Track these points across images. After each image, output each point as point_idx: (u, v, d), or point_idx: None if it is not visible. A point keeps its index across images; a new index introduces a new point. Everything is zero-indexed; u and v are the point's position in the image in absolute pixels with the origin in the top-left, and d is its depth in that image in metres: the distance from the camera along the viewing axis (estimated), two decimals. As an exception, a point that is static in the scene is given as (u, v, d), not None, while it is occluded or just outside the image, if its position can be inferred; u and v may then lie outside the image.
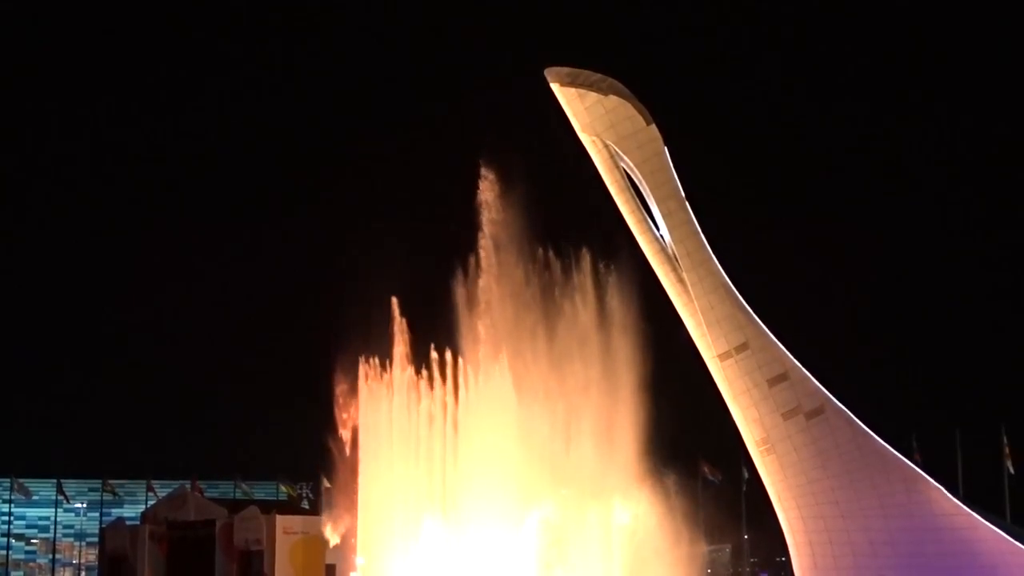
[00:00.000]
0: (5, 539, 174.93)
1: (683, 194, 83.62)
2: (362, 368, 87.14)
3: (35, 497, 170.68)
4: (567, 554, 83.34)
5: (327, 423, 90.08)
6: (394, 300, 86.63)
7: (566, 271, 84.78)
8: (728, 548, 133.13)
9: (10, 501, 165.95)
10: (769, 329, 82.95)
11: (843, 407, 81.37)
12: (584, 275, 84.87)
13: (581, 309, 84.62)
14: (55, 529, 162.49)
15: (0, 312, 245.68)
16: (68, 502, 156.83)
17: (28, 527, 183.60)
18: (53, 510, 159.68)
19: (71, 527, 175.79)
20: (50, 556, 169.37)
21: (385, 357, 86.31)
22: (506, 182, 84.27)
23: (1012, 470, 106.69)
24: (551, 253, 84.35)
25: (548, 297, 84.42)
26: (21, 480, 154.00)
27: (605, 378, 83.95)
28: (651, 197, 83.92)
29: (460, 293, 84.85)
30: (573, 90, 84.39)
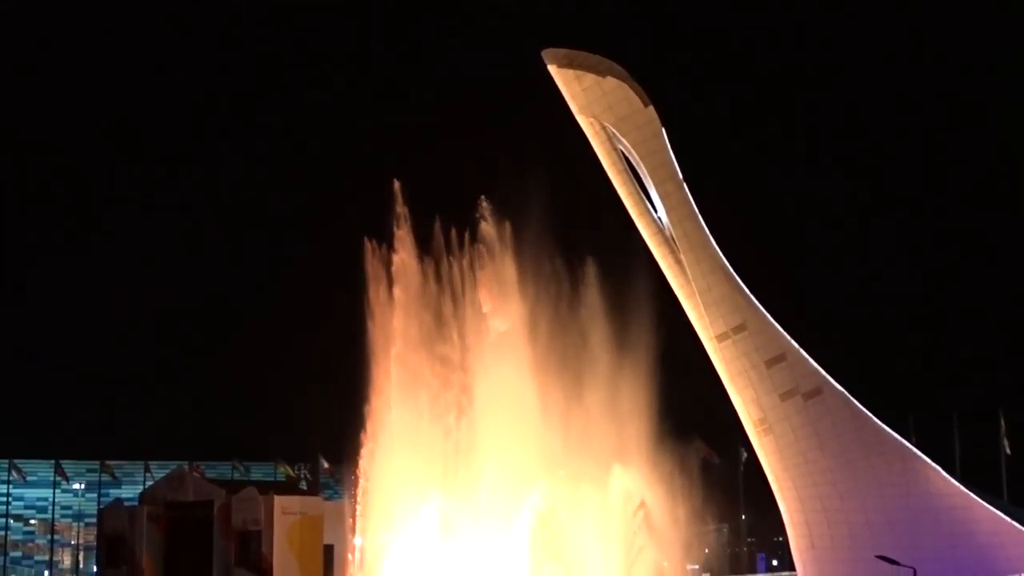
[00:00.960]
0: (3, 520, 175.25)
1: (680, 176, 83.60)
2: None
3: (33, 478, 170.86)
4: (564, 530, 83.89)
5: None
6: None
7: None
8: (726, 528, 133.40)
9: (8, 482, 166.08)
10: (767, 310, 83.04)
11: (841, 388, 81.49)
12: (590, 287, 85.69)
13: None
14: (53, 510, 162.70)
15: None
16: (68, 482, 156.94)
17: (26, 508, 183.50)
18: (51, 491, 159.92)
19: (69, 508, 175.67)
20: (48, 536, 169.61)
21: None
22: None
23: (1009, 451, 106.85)
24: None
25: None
26: (18, 461, 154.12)
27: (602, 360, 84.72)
28: (648, 179, 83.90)
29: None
30: (571, 71, 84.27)
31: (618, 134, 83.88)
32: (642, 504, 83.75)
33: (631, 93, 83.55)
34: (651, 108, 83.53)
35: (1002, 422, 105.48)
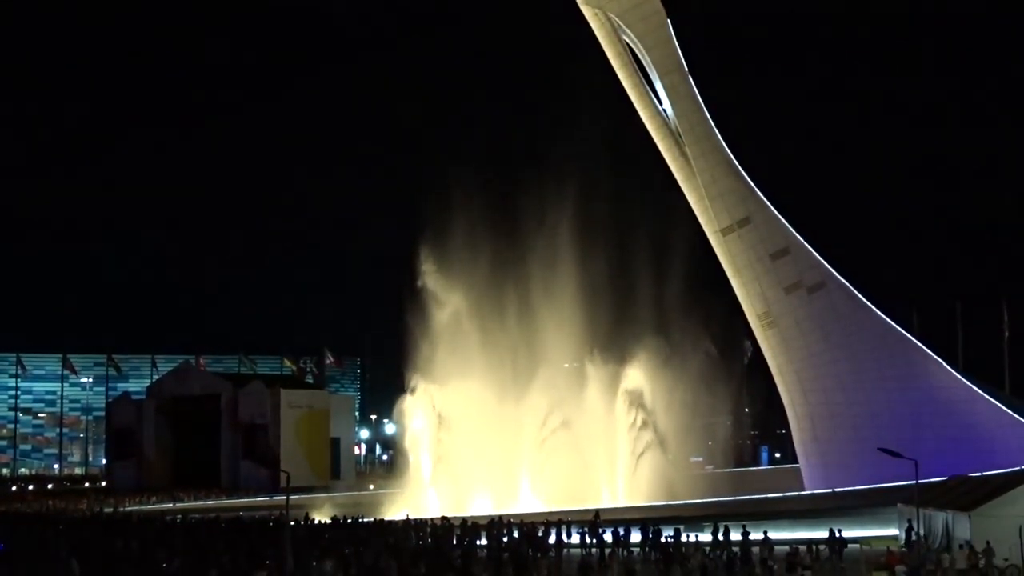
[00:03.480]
0: (13, 413, 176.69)
1: (686, 67, 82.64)
2: None
3: (41, 372, 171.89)
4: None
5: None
6: None
7: None
8: (729, 421, 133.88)
9: (16, 376, 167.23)
10: (771, 203, 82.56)
11: (845, 281, 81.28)
12: None
13: None
14: (62, 403, 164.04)
15: (5, 189, 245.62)
16: (77, 375, 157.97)
17: (35, 401, 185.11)
18: (59, 385, 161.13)
19: (77, 401, 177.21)
20: (57, 429, 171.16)
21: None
22: None
23: (1007, 334, 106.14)
24: None
25: None
26: (26, 355, 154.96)
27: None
28: (654, 71, 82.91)
29: None
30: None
31: (623, 25, 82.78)
32: (640, 405, 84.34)
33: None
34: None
35: (1005, 313, 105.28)
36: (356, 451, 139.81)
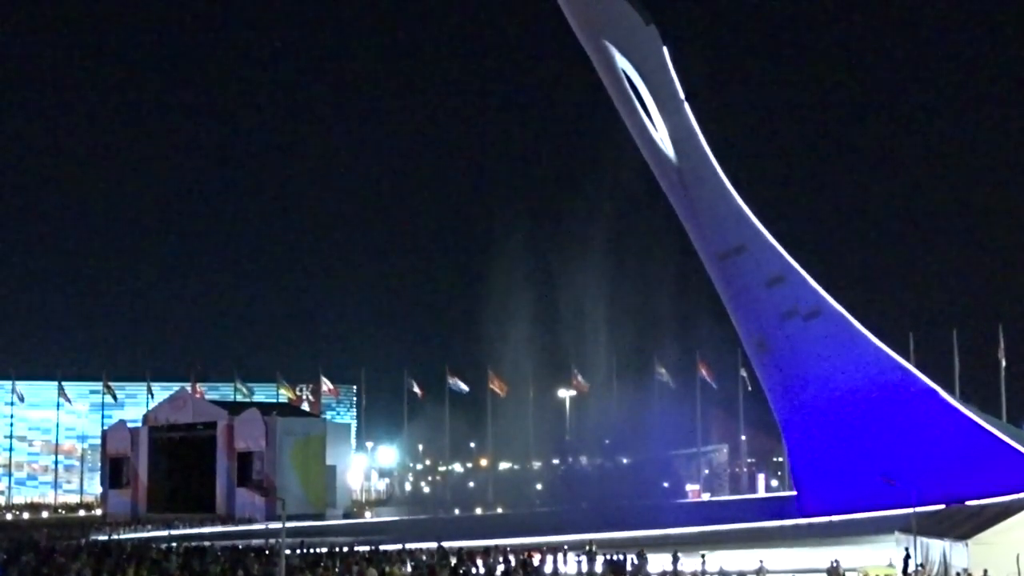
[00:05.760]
0: (8, 440, 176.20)
1: (682, 95, 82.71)
2: None
3: (36, 399, 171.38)
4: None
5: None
6: None
7: None
8: (725, 448, 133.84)
9: (12, 403, 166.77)
10: (767, 230, 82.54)
11: (841, 308, 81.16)
12: None
13: None
14: (57, 431, 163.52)
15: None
16: (71, 403, 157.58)
17: (30, 429, 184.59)
18: (55, 412, 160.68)
19: (73, 429, 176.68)
20: (52, 457, 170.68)
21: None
22: None
23: (1004, 362, 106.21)
24: None
25: None
26: (20, 383, 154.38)
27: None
28: (650, 98, 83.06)
29: None
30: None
31: (619, 53, 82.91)
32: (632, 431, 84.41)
33: (632, 11, 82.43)
34: (653, 27, 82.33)
35: (1001, 340, 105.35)
36: (352, 478, 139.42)
